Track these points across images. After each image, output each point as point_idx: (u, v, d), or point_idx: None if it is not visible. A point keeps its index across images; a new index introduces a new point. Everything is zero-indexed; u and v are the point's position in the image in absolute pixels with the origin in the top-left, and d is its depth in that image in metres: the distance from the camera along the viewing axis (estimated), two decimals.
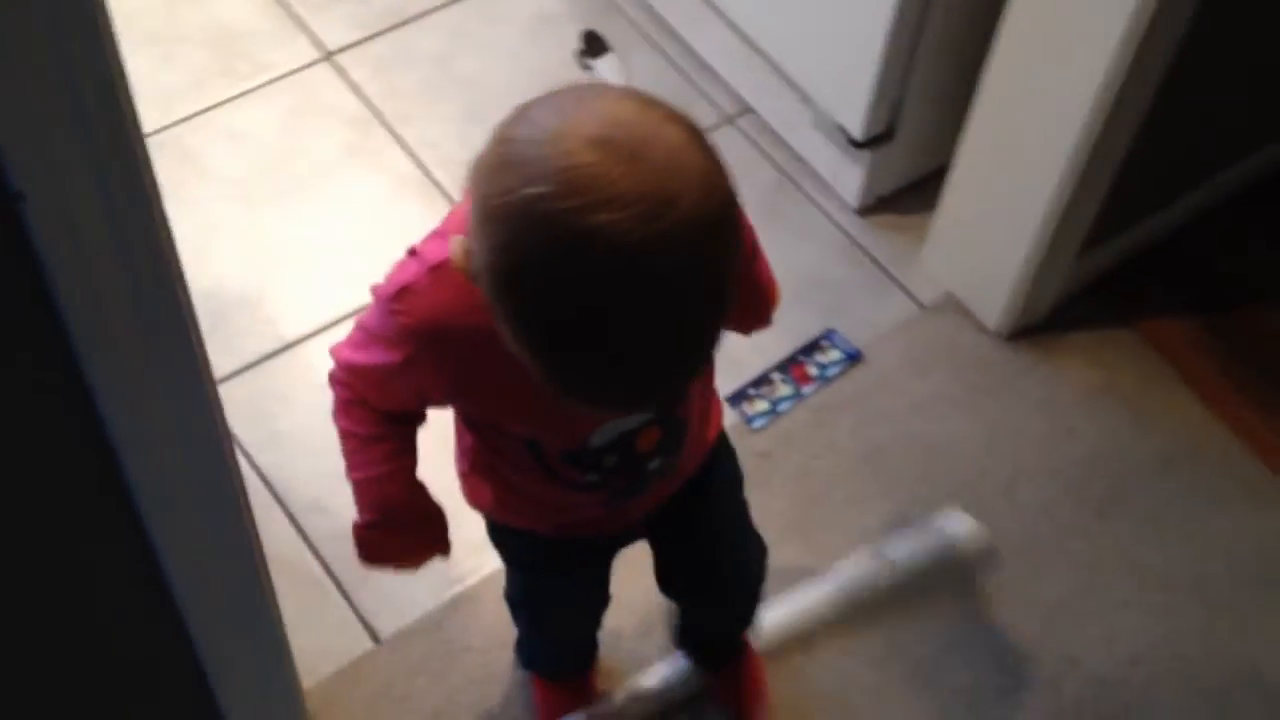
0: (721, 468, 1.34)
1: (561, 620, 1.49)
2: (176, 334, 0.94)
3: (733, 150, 2.11)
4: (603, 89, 0.91)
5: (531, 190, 0.84)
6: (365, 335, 1.11)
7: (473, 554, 1.72)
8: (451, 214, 1.07)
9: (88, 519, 1.02)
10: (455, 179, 2.07)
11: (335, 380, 1.16)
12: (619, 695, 1.58)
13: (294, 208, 2.02)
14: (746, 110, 2.16)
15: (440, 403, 1.14)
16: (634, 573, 1.56)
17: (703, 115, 2.15)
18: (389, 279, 1.08)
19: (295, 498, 1.75)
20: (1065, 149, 1.73)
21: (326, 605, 1.67)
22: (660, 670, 1.61)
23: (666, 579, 1.42)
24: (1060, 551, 1.79)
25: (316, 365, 1.88)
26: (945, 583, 1.75)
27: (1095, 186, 1.81)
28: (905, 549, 1.73)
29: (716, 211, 0.87)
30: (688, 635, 1.60)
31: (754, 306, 1.20)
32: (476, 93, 2.17)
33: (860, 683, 1.67)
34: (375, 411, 1.15)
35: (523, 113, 0.89)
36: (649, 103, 0.88)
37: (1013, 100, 1.77)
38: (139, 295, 0.88)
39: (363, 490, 1.19)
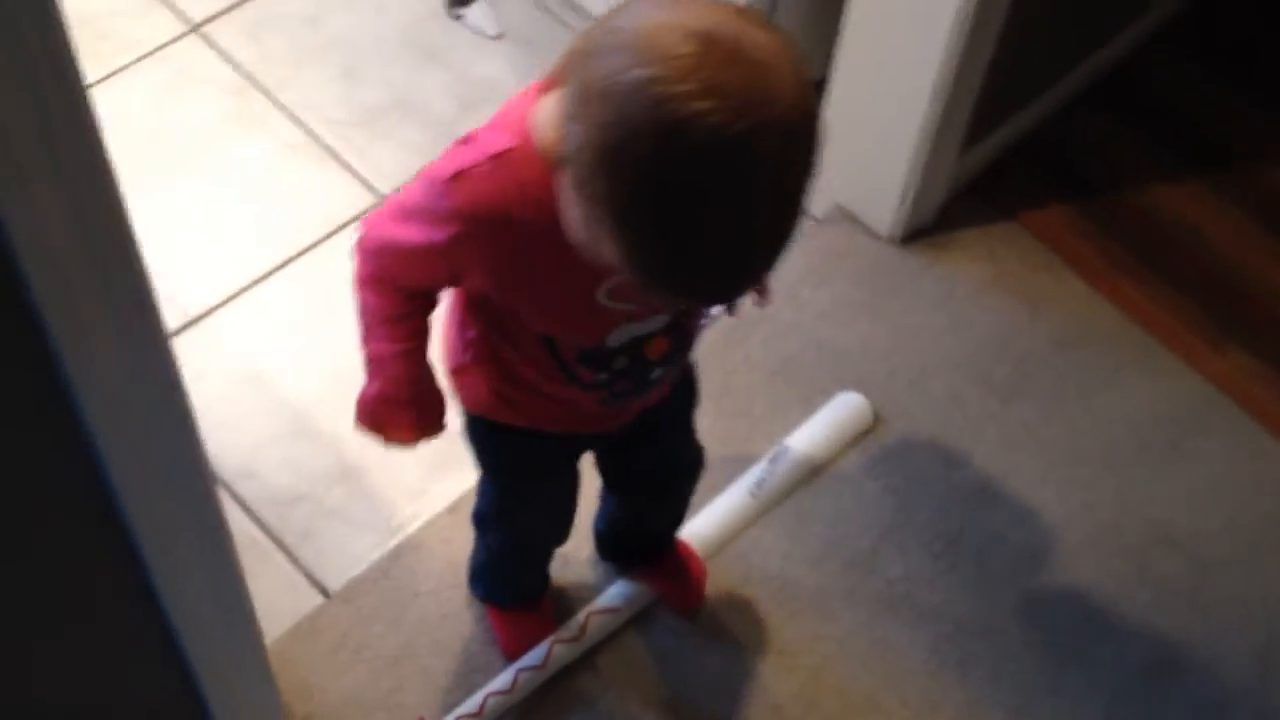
0: (690, 383, 1.42)
1: (534, 530, 1.51)
2: (132, 282, 0.94)
3: None
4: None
5: (643, 72, 0.88)
6: (406, 212, 1.12)
7: (412, 501, 1.74)
8: (507, 110, 1.09)
9: (54, 479, 1.01)
10: (341, 137, 2.06)
11: (365, 251, 1.17)
12: (579, 617, 1.61)
13: (182, 183, 2.00)
14: None
15: (473, 285, 1.15)
16: (581, 501, 1.60)
17: None
18: (444, 160, 1.09)
19: (224, 467, 1.74)
20: (937, 51, 1.79)
21: (271, 566, 1.67)
22: (616, 589, 1.65)
23: (615, 473, 1.48)
24: (974, 438, 1.87)
25: (225, 337, 1.87)
26: (870, 478, 1.82)
27: (969, 85, 1.87)
28: (799, 434, 1.82)
29: (804, 119, 0.93)
30: (618, 539, 1.65)
31: None
32: (349, 51, 2.15)
33: (802, 583, 1.73)
34: (400, 290, 1.17)
35: (625, 8, 0.93)
36: (744, 10, 0.93)
37: (882, 7, 1.82)
38: (92, 239, 0.88)
39: (377, 363, 1.21)
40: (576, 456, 1.43)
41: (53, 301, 0.88)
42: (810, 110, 0.94)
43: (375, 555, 1.69)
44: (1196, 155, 2.19)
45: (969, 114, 1.93)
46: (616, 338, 1.17)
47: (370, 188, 2.02)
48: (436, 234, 1.09)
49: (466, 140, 1.09)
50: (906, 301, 1.99)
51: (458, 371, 1.29)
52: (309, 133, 2.06)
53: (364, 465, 1.76)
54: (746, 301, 1.42)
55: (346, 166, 2.03)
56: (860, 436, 1.84)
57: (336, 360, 1.84)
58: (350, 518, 1.72)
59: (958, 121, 1.93)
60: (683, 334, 1.24)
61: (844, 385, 1.88)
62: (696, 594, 1.68)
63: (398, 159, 2.05)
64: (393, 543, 1.70)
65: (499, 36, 2.18)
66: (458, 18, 2.19)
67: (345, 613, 1.64)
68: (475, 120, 2.09)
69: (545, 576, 1.63)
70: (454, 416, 1.30)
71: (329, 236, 1.97)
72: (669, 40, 0.89)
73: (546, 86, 1.04)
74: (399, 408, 1.23)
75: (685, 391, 1.43)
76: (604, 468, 1.49)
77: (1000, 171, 2.12)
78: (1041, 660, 1.70)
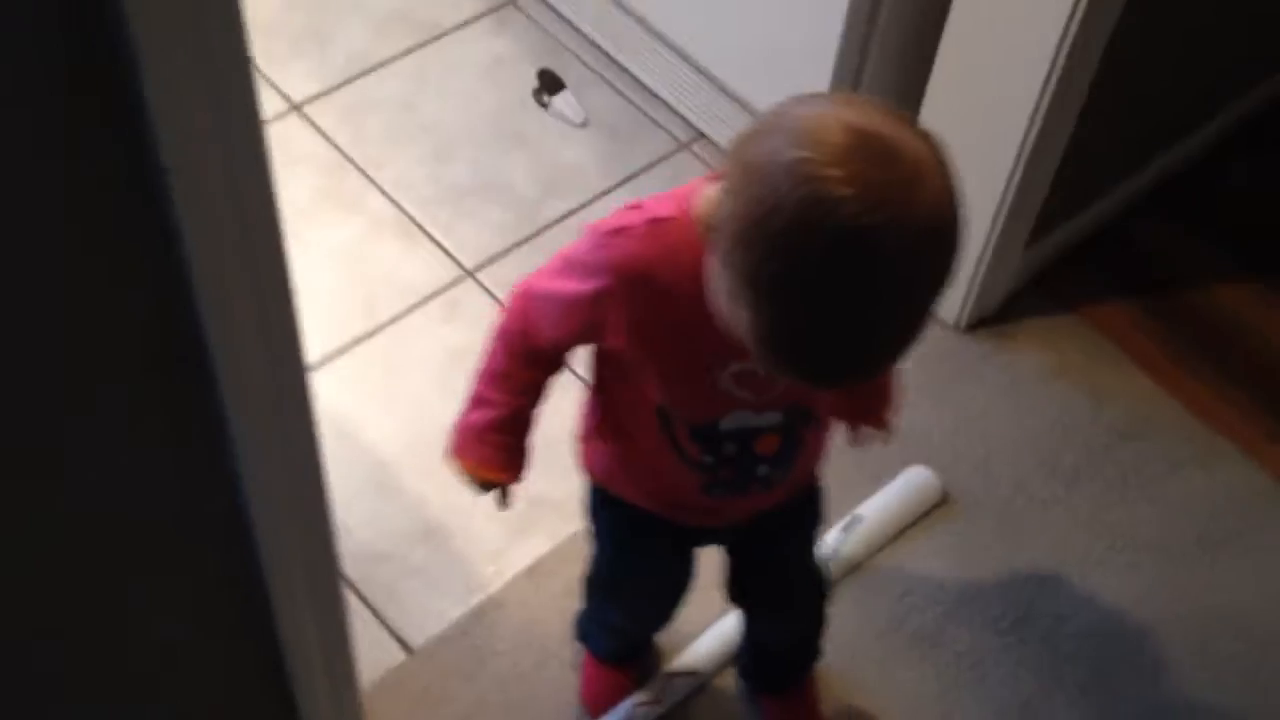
0: (813, 504, 1.47)
1: (632, 607, 1.55)
2: (283, 301, 1.01)
3: (687, 176, 2.22)
4: (865, 99, 1.01)
5: (797, 153, 0.95)
6: (565, 265, 1.20)
7: (492, 562, 1.80)
8: (678, 189, 1.17)
9: (197, 503, 1.08)
10: (430, 215, 2.15)
11: (516, 301, 1.26)
12: (658, 681, 1.67)
13: None
14: (700, 136, 2.28)
15: (609, 341, 1.21)
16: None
17: (658, 145, 2.27)
18: (609, 218, 1.18)
19: None
20: (1010, 147, 1.86)
21: (357, 621, 1.72)
22: (693, 653, 1.71)
23: (738, 588, 1.53)
24: (1037, 521, 1.91)
25: (314, 399, 1.94)
26: (935, 556, 1.86)
27: (1039, 181, 1.95)
28: (870, 504, 1.88)
29: (942, 228, 0.97)
30: (751, 658, 1.68)
31: (875, 398, 1.39)
32: (442, 134, 2.26)
33: (869, 654, 1.77)
34: (532, 350, 1.26)
35: (796, 101, 1.01)
36: (906, 118, 1.00)
37: (958, 100, 1.90)
38: (256, 262, 0.95)
39: (477, 401, 1.31)
40: (686, 550, 1.47)
41: (220, 333, 0.96)
42: (950, 222, 0.98)
43: (456, 613, 1.75)
44: (1257, 257, 2.25)
45: (1038, 209, 2.00)
46: (730, 422, 1.22)
47: (455, 263, 2.10)
48: (586, 284, 1.17)
49: (634, 206, 1.17)
50: (971, 387, 2.05)
51: (584, 439, 1.37)
52: (399, 209, 2.15)
53: (446, 527, 1.82)
54: (870, 432, 1.43)
55: (433, 242, 2.12)
56: (929, 512, 1.89)
57: (418, 425, 1.92)
58: (432, 577, 1.78)
59: (1026, 215, 2.00)
60: (796, 439, 1.28)
61: (910, 465, 1.93)
62: None
63: (482, 236, 2.13)
64: (473, 602, 1.76)
65: (583, 124, 2.28)
66: (544, 105, 2.29)
67: (425, 669, 1.69)
68: (558, 203, 2.21)
69: (644, 647, 1.68)
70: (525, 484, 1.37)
71: (415, 307, 2.05)
72: (828, 129, 0.95)
73: (716, 176, 1.10)
74: (476, 442, 1.31)
75: (807, 509, 1.47)
76: (728, 578, 1.53)
77: (1065, 265, 2.18)
78: None
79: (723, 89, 2.18)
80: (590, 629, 1.66)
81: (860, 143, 0.95)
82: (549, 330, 1.24)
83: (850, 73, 1.99)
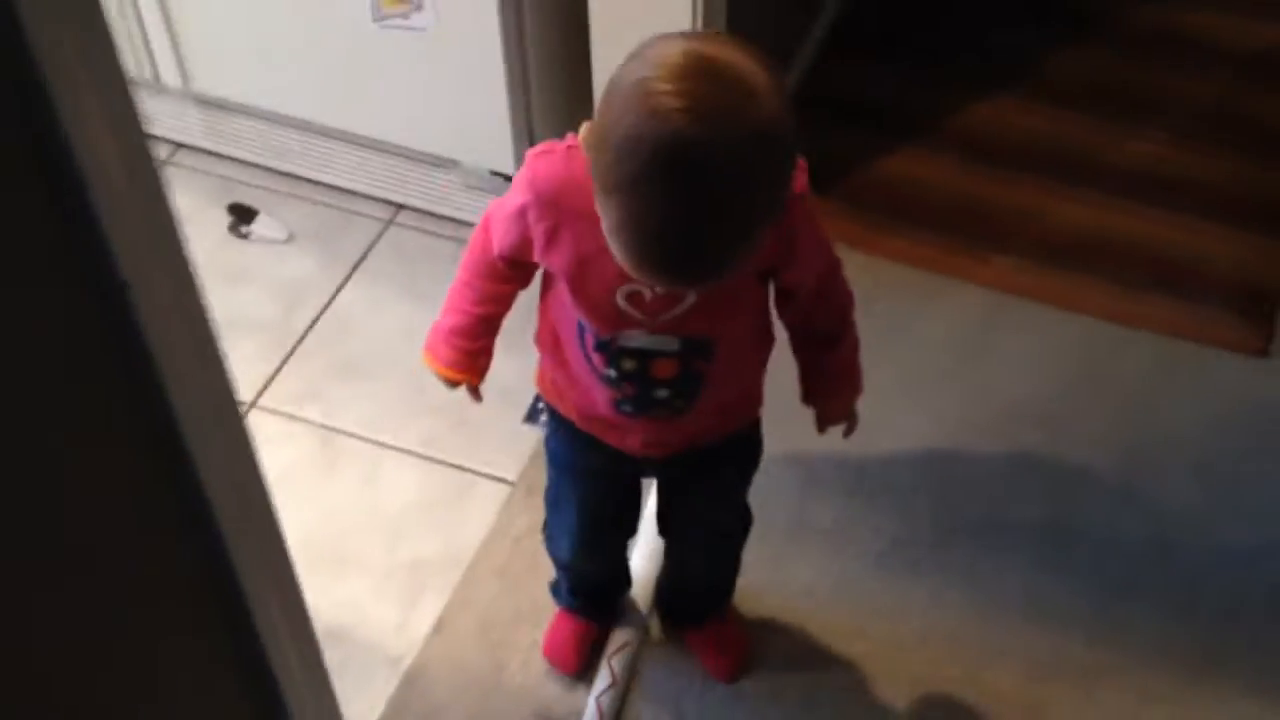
0: (749, 447, 1.62)
1: (578, 535, 1.65)
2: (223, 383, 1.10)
3: (405, 247, 2.35)
4: (721, 34, 1.18)
5: (642, 73, 1.12)
6: (512, 184, 1.36)
7: (398, 636, 1.89)
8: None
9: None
10: None
11: (481, 221, 1.44)
12: (602, 668, 1.80)
13: None
14: (401, 208, 2.41)
15: (534, 253, 1.35)
16: None
17: (366, 230, 2.39)
18: (542, 143, 1.33)
19: None
20: None
21: None
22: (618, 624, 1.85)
23: (664, 519, 1.68)
24: None
25: None
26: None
27: None
28: None
29: (763, 144, 1.14)
30: (673, 596, 1.84)
31: (826, 298, 1.56)
32: None
33: (754, 562, 1.93)
34: (486, 261, 1.42)
35: (658, 36, 1.17)
36: (751, 52, 1.15)
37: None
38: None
39: (447, 305, 1.47)
40: (626, 481, 1.60)
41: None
42: (776, 138, 1.14)
43: (388, 693, 1.82)
44: (895, 124, 2.57)
45: None
46: (628, 340, 1.36)
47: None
48: (515, 199, 1.33)
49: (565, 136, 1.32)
50: None
51: (539, 360, 1.50)
52: None
53: (342, 625, 1.89)
54: (837, 430, 1.62)
55: None
56: None
57: None
58: (350, 672, 1.84)
59: None
60: (693, 373, 1.40)
61: None
62: (730, 668, 1.82)
63: (247, 370, 2.19)
64: (400, 671, 1.83)
65: (290, 239, 2.37)
66: (245, 236, 2.37)
67: None
68: (302, 313, 2.29)
69: (602, 600, 1.81)
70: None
71: None
72: (670, 53, 1.13)
73: None
74: (441, 344, 1.48)
75: (740, 452, 1.61)
76: (658, 509, 1.67)
77: None
78: (967, 539, 1.98)
79: (405, 156, 2.32)
80: (558, 582, 1.79)
81: (696, 64, 1.12)
82: (498, 242, 1.40)
83: (522, 90, 2.15)
